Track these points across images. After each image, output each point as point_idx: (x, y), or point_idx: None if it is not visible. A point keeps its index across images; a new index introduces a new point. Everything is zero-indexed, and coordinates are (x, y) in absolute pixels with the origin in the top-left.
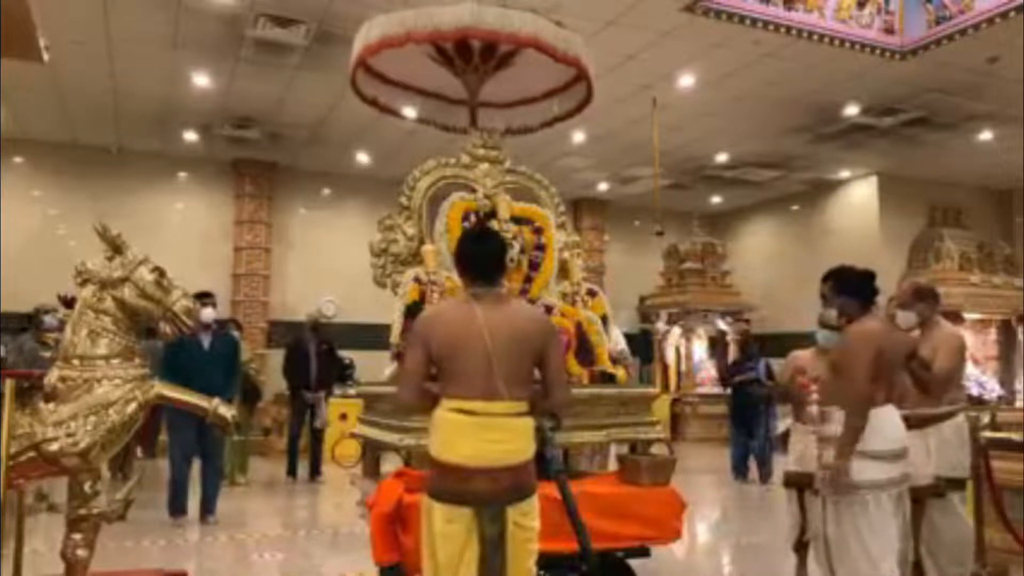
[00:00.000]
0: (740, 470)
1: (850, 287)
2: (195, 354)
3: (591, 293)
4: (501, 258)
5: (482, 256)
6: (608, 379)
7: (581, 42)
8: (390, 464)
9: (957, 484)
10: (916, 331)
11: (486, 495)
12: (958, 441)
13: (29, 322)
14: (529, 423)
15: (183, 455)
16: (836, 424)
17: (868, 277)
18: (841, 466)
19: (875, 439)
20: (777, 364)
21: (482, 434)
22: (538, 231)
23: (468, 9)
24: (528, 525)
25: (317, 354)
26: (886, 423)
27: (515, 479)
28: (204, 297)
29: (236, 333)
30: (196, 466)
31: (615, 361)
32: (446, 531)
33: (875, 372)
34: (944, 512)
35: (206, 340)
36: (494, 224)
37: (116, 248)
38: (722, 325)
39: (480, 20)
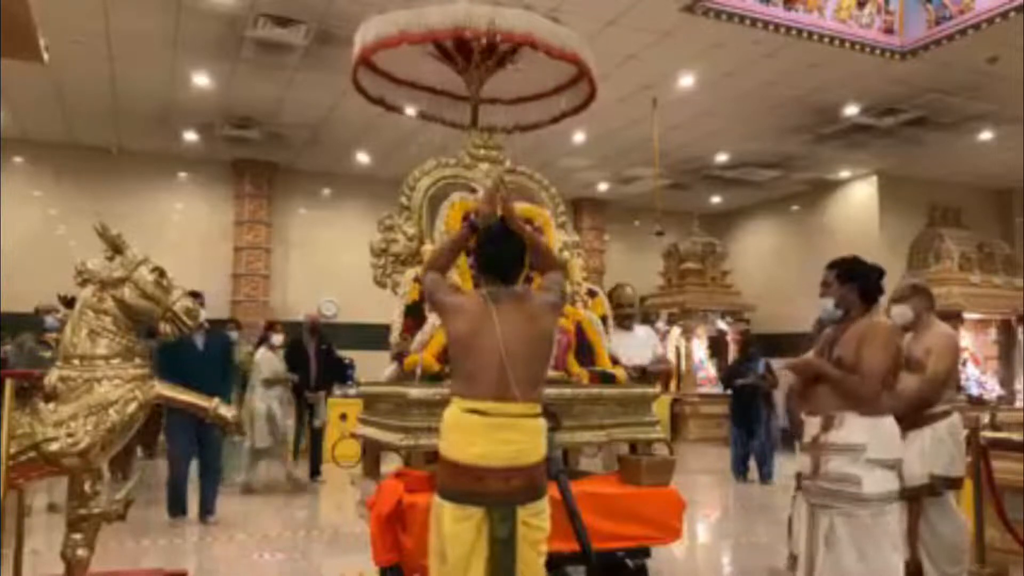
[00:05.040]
0: (740, 470)
1: (855, 278)
2: (189, 354)
3: (591, 293)
4: (521, 259)
5: (502, 257)
6: (608, 379)
7: (579, 38)
8: (390, 464)
9: (953, 483)
10: (909, 333)
11: (498, 495)
12: (953, 440)
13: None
14: (541, 424)
15: (181, 455)
16: (844, 430)
17: (876, 272)
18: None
19: (886, 447)
20: (777, 364)
21: (494, 434)
22: (538, 231)
23: (461, 8)
24: (539, 525)
25: (316, 354)
26: (894, 430)
27: (527, 479)
28: (193, 297)
29: (235, 333)
30: (195, 466)
31: (612, 362)
32: (455, 531)
33: (893, 375)
34: (942, 511)
35: (200, 340)
36: None
37: (116, 248)
38: (722, 325)
39: (473, 18)
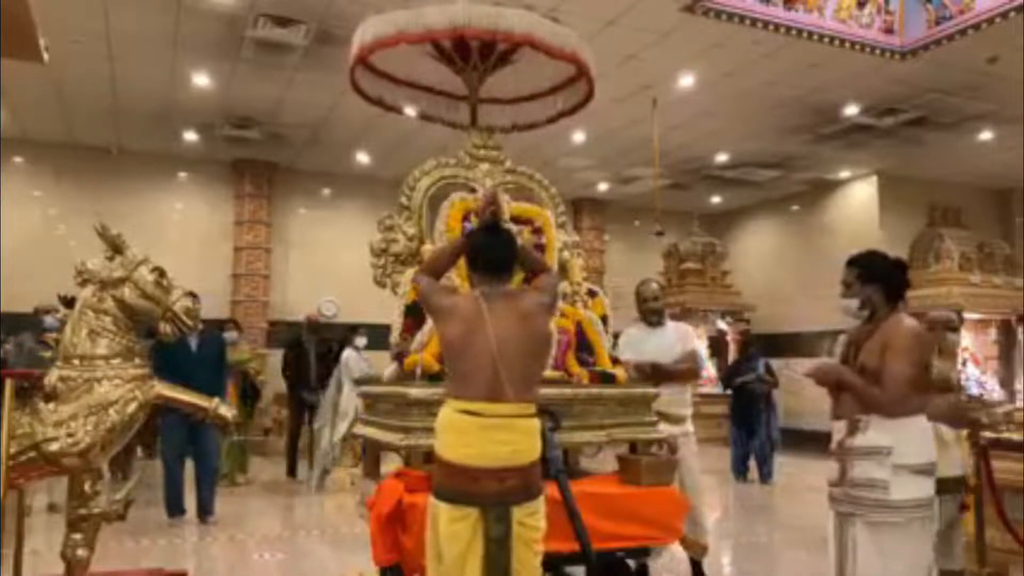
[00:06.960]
0: (740, 470)
1: (878, 275)
2: (183, 355)
3: (591, 293)
4: (512, 255)
5: (493, 255)
6: (608, 379)
7: (578, 38)
8: (390, 464)
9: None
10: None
11: (493, 495)
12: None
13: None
14: (536, 424)
15: (174, 455)
16: (870, 433)
17: (899, 267)
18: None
19: (916, 450)
20: (777, 363)
21: (489, 435)
22: (538, 231)
23: (460, 8)
24: (533, 525)
25: (316, 354)
26: (926, 433)
27: (522, 479)
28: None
29: (232, 334)
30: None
31: (612, 362)
32: (451, 531)
33: (921, 378)
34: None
35: (193, 340)
36: None
37: (116, 248)
38: (722, 325)
39: (472, 19)
